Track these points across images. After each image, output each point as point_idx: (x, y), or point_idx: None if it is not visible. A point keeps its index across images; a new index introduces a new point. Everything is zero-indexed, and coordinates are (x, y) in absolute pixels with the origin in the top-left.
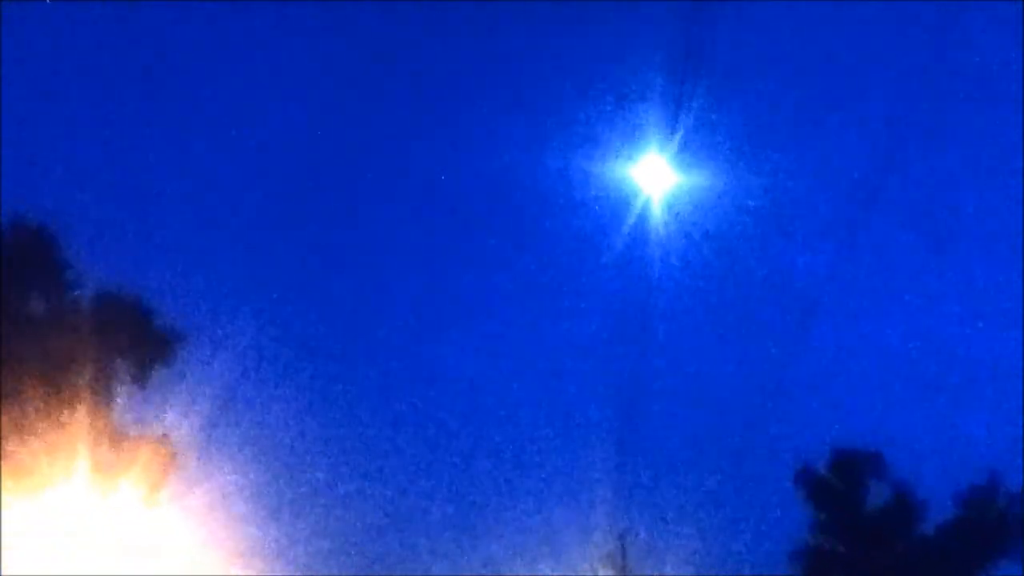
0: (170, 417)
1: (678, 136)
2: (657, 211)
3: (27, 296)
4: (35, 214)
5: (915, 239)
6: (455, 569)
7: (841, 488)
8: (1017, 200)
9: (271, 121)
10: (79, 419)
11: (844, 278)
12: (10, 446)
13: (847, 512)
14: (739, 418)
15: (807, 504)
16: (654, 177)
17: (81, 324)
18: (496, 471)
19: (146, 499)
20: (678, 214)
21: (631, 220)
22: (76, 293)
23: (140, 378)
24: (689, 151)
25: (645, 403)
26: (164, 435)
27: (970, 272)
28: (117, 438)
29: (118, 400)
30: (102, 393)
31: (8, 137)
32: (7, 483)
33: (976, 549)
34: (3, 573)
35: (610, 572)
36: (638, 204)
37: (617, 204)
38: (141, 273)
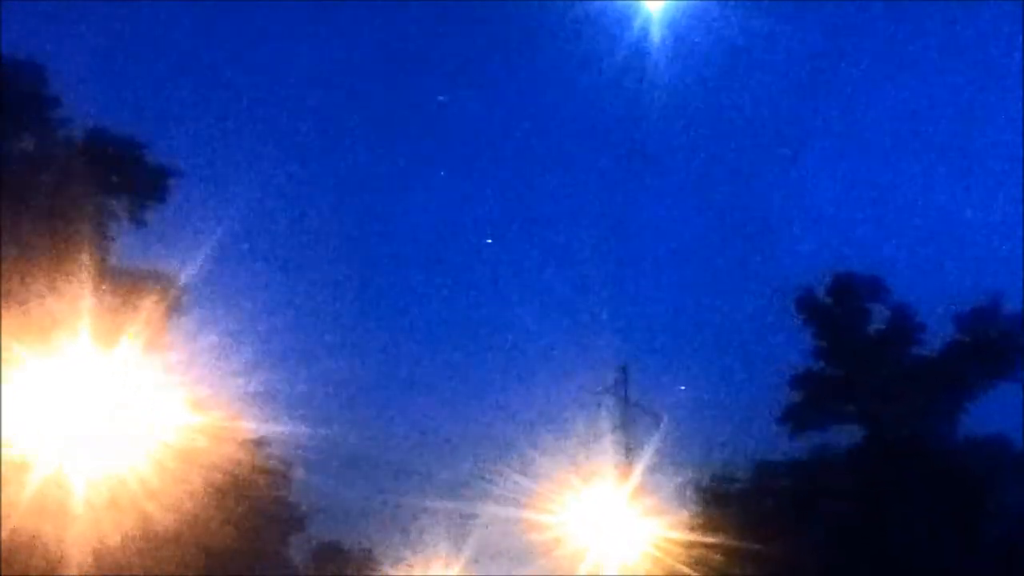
0: (172, 259)
1: None
2: (657, 30)
3: (21, 133)
4: (25, 50)
5: (915, 67)
6: (457, 407)
7: (841, 312)
8: None
9: None
10: (78, 256)
11: (846, 108)
12: (11, 285)
13: (847, 336)
14: (740, 245)
15: (808, 330)
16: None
17: (72, 160)
18: (497, 291)
19: (149, 344)
20: (677, 33)
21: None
22: (67, 130)
23: (136, 216)
24: None
25: (643, 228)
26: (166, 276)
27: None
28: (117, 278)
29: (116, 239)
30: (99, 230)
31: None
32: (9, 326)
33: (975, 370)
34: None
35: (612, 400)
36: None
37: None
38: (136, 111)
